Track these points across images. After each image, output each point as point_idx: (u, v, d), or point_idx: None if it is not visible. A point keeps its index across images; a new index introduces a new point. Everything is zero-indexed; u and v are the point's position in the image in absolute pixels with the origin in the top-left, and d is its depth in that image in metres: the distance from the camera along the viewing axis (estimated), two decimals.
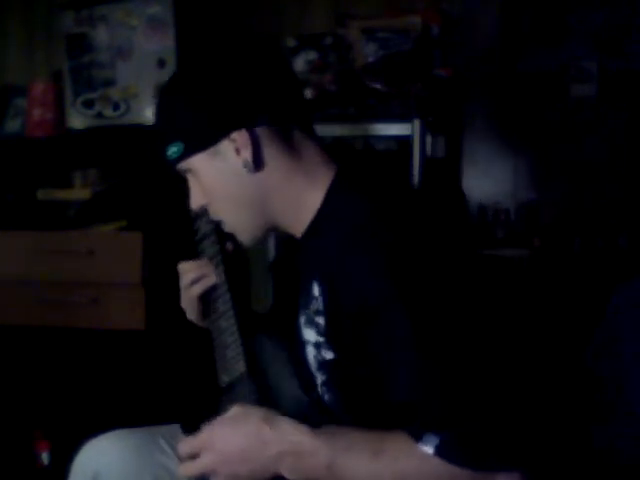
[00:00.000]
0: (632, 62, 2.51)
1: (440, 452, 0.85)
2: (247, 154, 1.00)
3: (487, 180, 2.64)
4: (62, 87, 2.63)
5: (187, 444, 0.97)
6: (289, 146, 1.03)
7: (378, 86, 2.25)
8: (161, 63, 2.47)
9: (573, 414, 1.68)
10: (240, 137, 0.99)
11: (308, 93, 2.37)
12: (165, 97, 1.08)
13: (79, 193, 2.52)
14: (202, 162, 1.03)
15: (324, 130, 2.44)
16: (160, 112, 1.09)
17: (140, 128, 2.47)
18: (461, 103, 2.61)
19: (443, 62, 2.40)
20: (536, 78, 2.59)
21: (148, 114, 2.49)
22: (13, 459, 2.31)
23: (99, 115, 2.56)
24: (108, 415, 2.12)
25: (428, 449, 0.85)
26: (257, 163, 1.00)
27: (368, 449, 0.89)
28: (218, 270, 1.18)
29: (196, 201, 1.10)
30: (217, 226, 1.15)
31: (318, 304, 1.01)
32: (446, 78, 2.39)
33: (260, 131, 1.01)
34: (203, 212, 1.16)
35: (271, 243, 2.31)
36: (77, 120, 2.59)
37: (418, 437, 0.86)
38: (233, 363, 1.05)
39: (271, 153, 1.01)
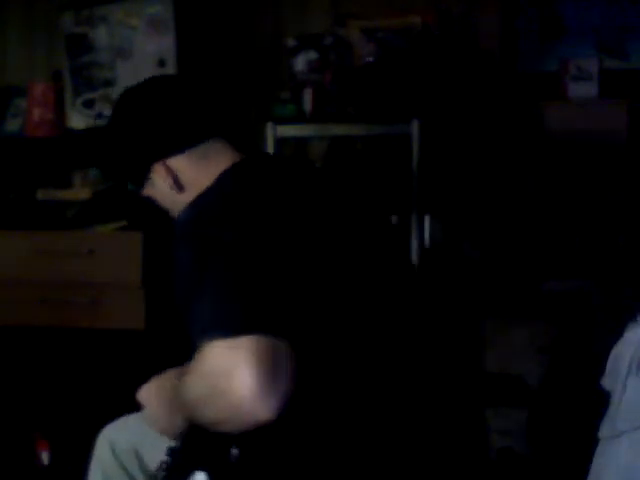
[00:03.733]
0: (632, 62, 2.51)
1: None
2: (169, 180, 1.20)
3: (487, 180, 2.64)
4: (62, 87, 2.63)
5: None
6: (204, 161, 1.20)
7: (378, 86, 2.25)
8: (161, 63, 2.48)
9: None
10: (159, 168, 1.20)
11: (308, 92, 2.38)
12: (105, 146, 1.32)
13: (79, 193, 2.52)
14: (150, 192, 1.26)
15: (324, 130, 2.45)
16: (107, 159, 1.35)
17: None
18: (461, 103, 2.61)
19: (442, 62, 2.40)
20: (536, 78, 2.59)
21: None
22: (13, 459, 2.31)
23: (99, 115, 2.57)
24: (108, 415, 2.11)
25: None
26: (178, 187, 1.21)
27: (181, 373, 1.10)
28: None
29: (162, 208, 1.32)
30: None
31: None
32: (446, 78, 2.39)
33: (173, 161, 1.20)
34: None
35: None
36: (77, 120, 2.59)
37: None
38: None
39: (187, 175, 1.20)
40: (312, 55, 2.46)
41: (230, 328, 0.90)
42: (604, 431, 1.14)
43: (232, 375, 0.86)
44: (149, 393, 1.27)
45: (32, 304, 2.32)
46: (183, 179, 1.21)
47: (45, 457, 2.30)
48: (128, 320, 2.25)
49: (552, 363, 2.07)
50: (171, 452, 1.19)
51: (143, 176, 1.23)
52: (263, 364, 0.86)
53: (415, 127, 2.19)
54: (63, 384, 2.32)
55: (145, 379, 2.21)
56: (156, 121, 1.21)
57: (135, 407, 1.37)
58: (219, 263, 0.99)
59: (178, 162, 1.20)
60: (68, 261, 2.29)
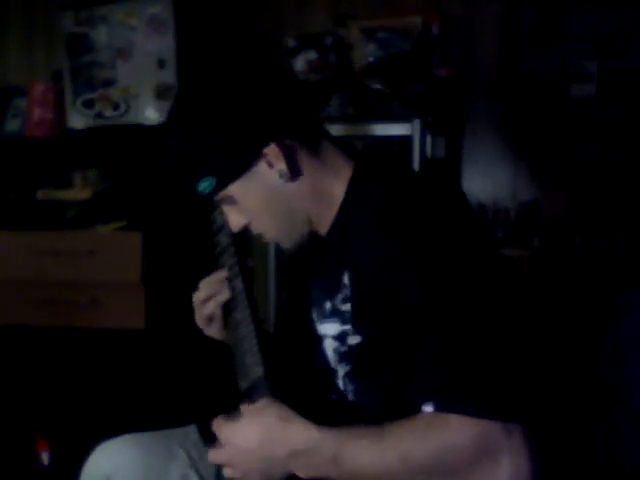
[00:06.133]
0: (632, 62, 2.51)
1: (440, 407, 0.87)
2: (281, 165, 1.02)
3: (487, 180, 2.64)
4: (62, 87, 2.63)
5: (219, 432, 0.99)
6: (313, 148, 1.06)
7: (378, 86, 2.25)
8: (161, 63, 2.48)
9: (573, 413, 1.69)
10: (270, 151, 1.02)
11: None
12: (181, 131, 1.05)
13: (79, 193, 2.52)
14: (237, 188, 1.05)
15: None
16: (179, 148, 1.05)
17: (140, 128, 2.47)
18: (461, 103, 2.61)
19: (443, 62, 2.40)
20: (536, 78, 2.59)
21: (148, 114, 2.49)
22: (13, 459, 2.31)
23: (99, 115, 2.57)
24: (107, 415, 2.12)
25: (428, 408, 0.88)
26: (294, 171, 1.04)
27: (370, 435, 0.91)
28: (236, 281, 1.17)
29: (236, 223, 1.11)
30: (235, 239, 1.18)
31: (346, 292, 1.04)
32: (446, 78, 2.39)
33: (289, 141, 1.04)
34: (222, 227, 1.19)
35: (272, 247, 2.31)
36: (77, 120, 2.59)
37: (421, 404, 0.89)
38: (251, 369, 1.05)
39: (302, 159, 1.05)
40: (312, 55, 2.46)
41: (494, 408, 0.86)
42: None
43: (500, 461, 0.86)
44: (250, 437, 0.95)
45: (32, 304, 2.32)
46: (301, 166, 1.04)
47: (45, 457, 2.31)
48: (128, 320, 2.25)
49: None
50: None
51: (244, 168, 1.03)
52: (528, 459, 0.86)
53: (415, 127, 2.19)
54: (63, 384, 2.32)
55: (145, 379, 2.21)
56: (275, 94, 1.04)
57: (137, 414, 1.30)
58: (463, 306, 0.91)
59: (294, 144, 1.04)
60: (68, 261, 2.28)
